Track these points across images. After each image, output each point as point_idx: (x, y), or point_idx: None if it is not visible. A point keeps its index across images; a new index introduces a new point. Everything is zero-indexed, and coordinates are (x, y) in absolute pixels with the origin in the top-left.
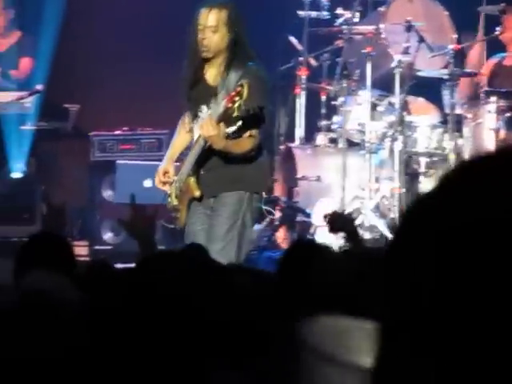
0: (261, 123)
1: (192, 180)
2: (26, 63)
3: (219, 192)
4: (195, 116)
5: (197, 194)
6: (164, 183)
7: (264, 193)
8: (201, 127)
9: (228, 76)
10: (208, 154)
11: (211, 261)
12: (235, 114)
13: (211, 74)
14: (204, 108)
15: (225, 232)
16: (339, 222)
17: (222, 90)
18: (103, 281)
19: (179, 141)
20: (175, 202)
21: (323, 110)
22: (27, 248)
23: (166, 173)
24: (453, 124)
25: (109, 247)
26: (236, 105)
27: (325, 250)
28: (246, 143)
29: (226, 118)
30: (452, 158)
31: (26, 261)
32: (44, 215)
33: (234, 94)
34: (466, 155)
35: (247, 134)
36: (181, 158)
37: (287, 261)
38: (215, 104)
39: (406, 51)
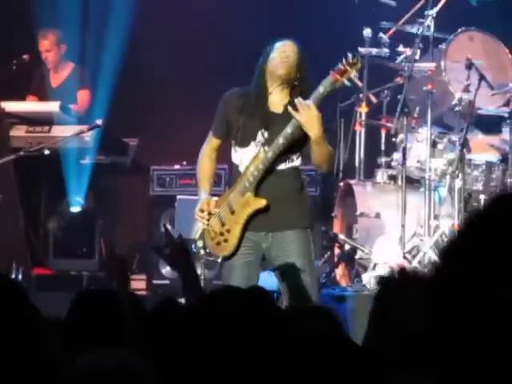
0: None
1: (249, 194)
2: (82, 95)
3: (283, 228)
4: (248, 140)
5: (263, 202)
6: (208, 214)
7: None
8: (301, 112)
9: (290, 105)
10: (271, 178)
11: (274, 303)
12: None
13: (273, 101)
14: (263, 132)
15: (309, 268)
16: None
17: (285, 117)
18: (170, 317)
19: (210, 170)
20: (218, 228)
21: (383, 147)
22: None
23: (208, 204)
24: None
25: (167, 281)
26: (341, 81)
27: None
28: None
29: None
30: None
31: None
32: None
33: (342, 68)
34: None
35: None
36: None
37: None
38: (278, 128)
39: (466, 89)
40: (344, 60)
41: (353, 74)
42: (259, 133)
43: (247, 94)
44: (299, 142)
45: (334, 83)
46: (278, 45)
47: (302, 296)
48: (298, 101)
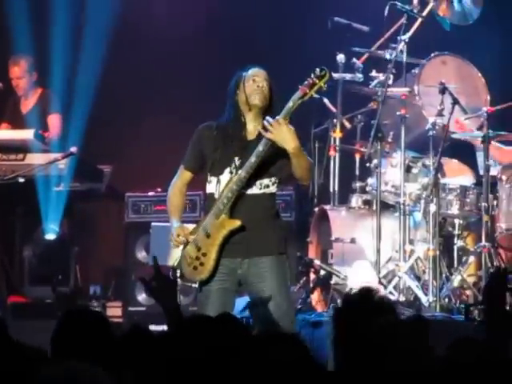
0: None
1: (224, 216)
2: (53, 120)
3: (258, 254)
4: (222, 169)
5: (238, 223)
6: (183, 242)
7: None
8: (272, 130)
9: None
10: (244, 203)
11: (244, 330)
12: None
13: (248, 129)
14: (238, 159)
15: (285, 294)
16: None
17: (259, 143)
18: (141, 347)
19: (180, 203)
20: (194, 253)
21: (357, 172)
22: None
23: (182, 230)
24: (487, 186)
25: (143, 308)
26: (310, 94)
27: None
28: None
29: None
30: (486, 219)
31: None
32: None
33: (311, 82)
34: (500, 217)
35: None
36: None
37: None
38: (250, 156)
39: (440, 113)
40: (312, 74)
41: (322, 85)
42: (234, 160)
43: (222, 126)
44: (273, 164)
45: (303, 97)
46: (249, 73)
47: (278, 322)
48: (266, 120)
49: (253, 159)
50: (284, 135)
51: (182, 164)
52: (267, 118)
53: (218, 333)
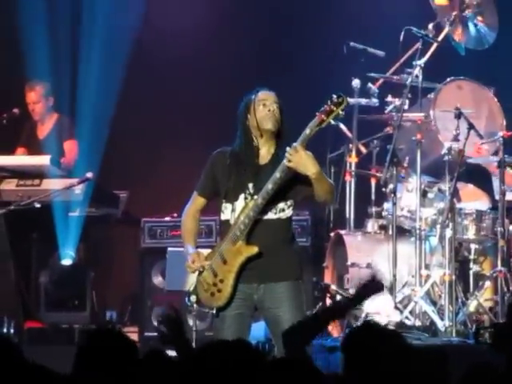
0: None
1: (241, 243)
2: (69, 146)
3: (274, 280)
4: (237, 194)
5: (255, 249)
6: (199, 268)
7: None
8: (291, 159)
9: (277, 156)
10: (260, 231)
11: (258, 356)
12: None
13: (261, 154)
14: (252, 185)
15: (300, 319)
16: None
17: (274, 167)
18: (159, 371)
19: (194, 228)
20: (211, 280)
21: (373, 197)
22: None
23: (198, 256)
24: (503, 210)
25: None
26: (327, 121)
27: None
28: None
29: (307, 139)
30: (502, 244)
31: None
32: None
33: (328, 109)
34: None
35: None
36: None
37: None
38: (266, 178)
39: (455, 138)
40: (329, 101)
41: (339, 112)
42: (247, 186)
43: (234, 153)
44: (289, 189)
45: (320, 124)
46: (259, 97)
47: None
48: (287, 150)
49: (270, 186)
50: (304, 161)
51: (195, 190)
52: (287, 148)
53: (232, 359)
